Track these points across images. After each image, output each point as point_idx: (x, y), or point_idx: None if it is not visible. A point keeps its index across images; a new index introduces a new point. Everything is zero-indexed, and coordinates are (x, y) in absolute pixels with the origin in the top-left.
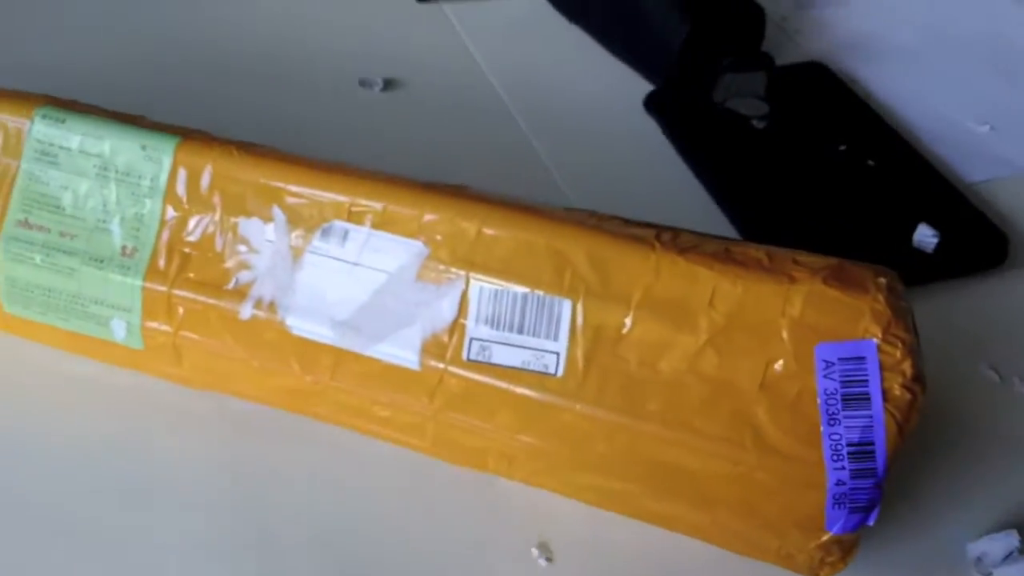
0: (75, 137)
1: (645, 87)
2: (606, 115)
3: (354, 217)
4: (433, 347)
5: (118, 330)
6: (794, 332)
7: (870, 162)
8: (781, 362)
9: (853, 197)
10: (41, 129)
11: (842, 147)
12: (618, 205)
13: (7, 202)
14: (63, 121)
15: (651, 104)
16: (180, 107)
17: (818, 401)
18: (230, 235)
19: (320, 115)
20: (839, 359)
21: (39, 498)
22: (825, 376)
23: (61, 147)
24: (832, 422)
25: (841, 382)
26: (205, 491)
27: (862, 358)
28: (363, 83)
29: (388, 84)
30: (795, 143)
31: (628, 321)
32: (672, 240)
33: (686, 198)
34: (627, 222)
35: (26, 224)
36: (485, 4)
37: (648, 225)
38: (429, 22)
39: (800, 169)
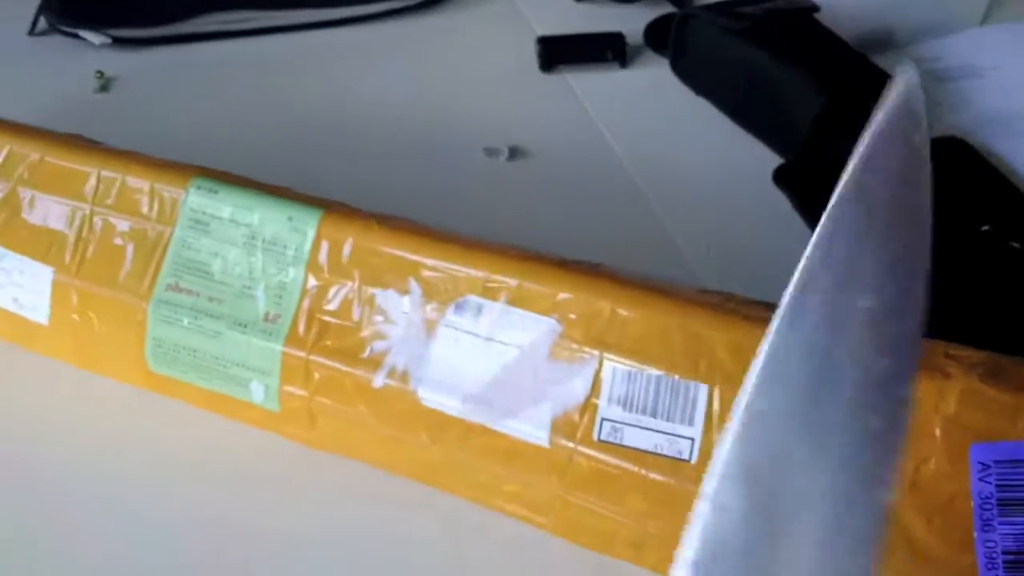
0: (227, 207)
1: (774, 160)
2: (734, 189)
3: (488, 292)
4: (564, 425)
5: (256, 392)
6: (947, 431)
7: (1014, 244)
8: (933, 462)
9: (996, 281)
10: (195, 199)
11: (984, 227)
12: (745, 281)
13: (160, 267)
14: (216, 192)
15: (781, 178)
16: (314, 177)
17: (972, 505)
18: (367, 305)
19: (445, 182)
20: (995, 461)
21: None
22: (980, 479)
23: (213, 216)
24: (987, 528)
25: (997, 486)
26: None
27: (1020, 461)
28: (488, 152)
29: (513, 153)
30: (933, 223)
31: None
32: None
33: None
34: (765, 306)
35: (176, 288)
36: (608, 75)
37: None
38: (553, 92)
39: (939, 251)
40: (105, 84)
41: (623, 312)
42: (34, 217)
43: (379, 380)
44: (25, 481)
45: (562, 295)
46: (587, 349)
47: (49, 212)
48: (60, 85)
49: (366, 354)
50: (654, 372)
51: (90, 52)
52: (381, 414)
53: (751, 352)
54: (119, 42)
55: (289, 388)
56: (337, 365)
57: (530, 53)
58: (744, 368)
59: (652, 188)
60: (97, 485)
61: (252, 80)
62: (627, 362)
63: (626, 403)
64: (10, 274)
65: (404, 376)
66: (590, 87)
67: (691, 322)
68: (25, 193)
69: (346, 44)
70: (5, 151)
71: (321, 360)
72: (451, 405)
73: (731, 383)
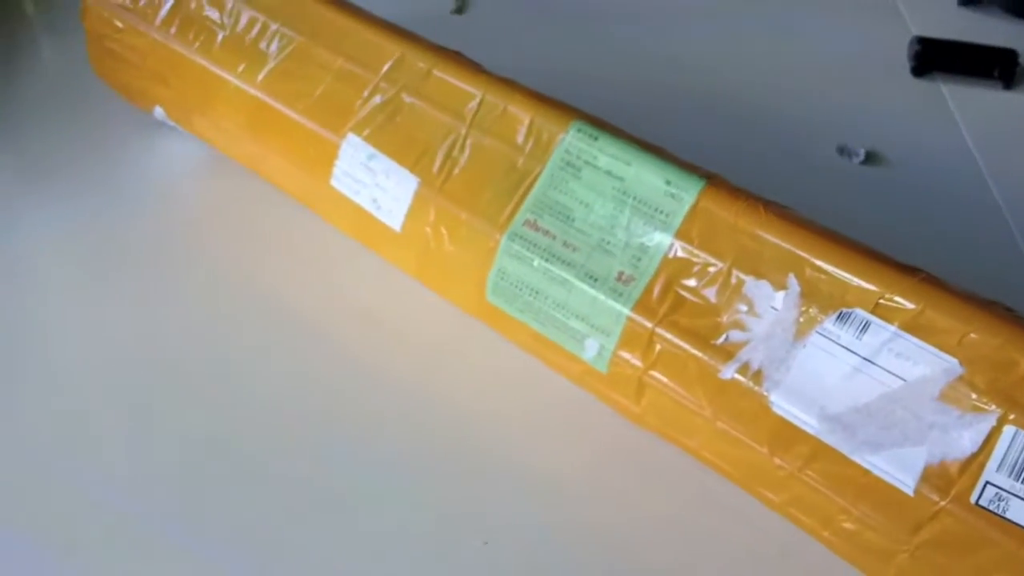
0: (603, 157)
1: None
2: None
3: (880, 311)
4: (937, 477)
5: (590, 349)
6: None
7: None
8: None
9: None
10: (574, 142)
11: None
12: None
13: (522, 201)
14: (596, 139)
15: None
16: (654, 138)
17: None
18: (733, 291)
19: (789, 173)
20: None
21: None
22: None
23: (587, 162)
24: None
25: None
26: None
27: None
28: (841, 151)
29: (869, 157)
30: None
31: None
32: None
33: None
34: None
35: (534, 226)
36: (990, 93)
37: None
38: (923, 99)
39: None
40: (461, 6)
41: None
42: (409, 125)
43: (728, 372)
44: (346, 369)
45: (973, 335)
46: (987, 402)
47: (425, 124)
48: (417, 2)
49: (719, 341)
50: None
51: None
52: (720, 408)
53: None
54: None
55: (624, 354)
56: (684, 345)
57: (901, 53)
58: None
59: (1022, 222)
60: (413, 385)
61: (609, 28)
62: None
63: (1021, 473)
64: (375, 175)
65: (758, 375)
66: (967, 102)
67: None
68: (407, 100)
69: (711, 9)
70: (396, 56)
71: (668, 335)
72: (807, 420)
73: None
